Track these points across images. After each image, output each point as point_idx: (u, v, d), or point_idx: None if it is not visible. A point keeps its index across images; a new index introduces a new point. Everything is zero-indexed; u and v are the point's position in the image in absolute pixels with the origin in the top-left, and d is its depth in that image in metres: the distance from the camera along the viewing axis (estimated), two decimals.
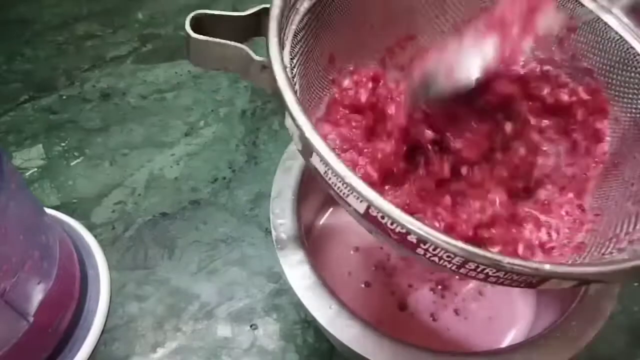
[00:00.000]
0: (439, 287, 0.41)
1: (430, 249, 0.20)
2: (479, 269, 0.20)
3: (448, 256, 0.20)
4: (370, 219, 0.21)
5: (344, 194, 0.21)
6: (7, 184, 0.31)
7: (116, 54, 0.62)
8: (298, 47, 0.28)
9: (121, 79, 0.59)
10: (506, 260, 0.20)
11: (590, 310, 0.31)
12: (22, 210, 0.35)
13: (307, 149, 0.22)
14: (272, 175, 0.37)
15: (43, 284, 0.36)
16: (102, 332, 0.41)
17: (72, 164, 0.52)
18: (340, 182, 0.21)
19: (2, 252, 0.32)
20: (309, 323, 0.42)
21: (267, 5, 0.25)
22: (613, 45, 0.30)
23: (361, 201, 0.20)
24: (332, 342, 0.40)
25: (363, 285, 0.41)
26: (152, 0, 0.68)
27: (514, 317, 0.39)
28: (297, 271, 0.33)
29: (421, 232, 0.20)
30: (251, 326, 0.42)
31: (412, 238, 0.20)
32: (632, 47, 0.30)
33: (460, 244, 0.20)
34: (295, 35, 0.27)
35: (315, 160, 0.22)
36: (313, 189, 0.40)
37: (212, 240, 0.46)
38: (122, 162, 0.52)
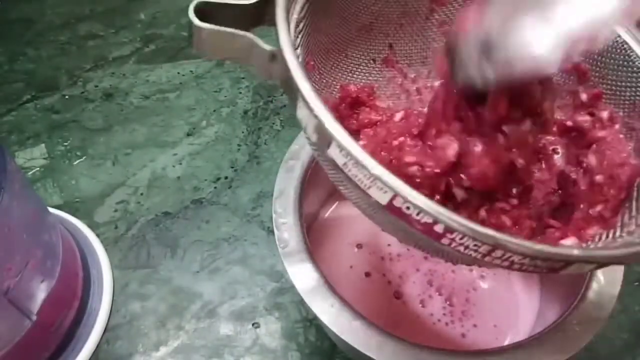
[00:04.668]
0: (434, 278, 0.41)
1: (457, 239, 0.19)
2: (504, 257, 0.20)
3: (475, 245, 0.20)
4: (393, 210, 0.20)
5: (365, 185, 0.20)
6: (10, 184, 0.31)
7: (119, 54, 0.62)
8: (300, 37, 0.27)
9: (123, 79, 0.60)
10: (541, 248, 0.19)
11: (590, 310, 0.31)
12: (26, 210, 0.35)
13: (325, 140, 0.21)
14: (273, 175, 0.37)
15: (46, 282, 0.37)
16: (105, 330, 0.41)
17: (74, 163, 0.52)
18: (363, 173, 0.20)
19: (5, 251, 0.32)
20: (311, 321, 0.42)
21: None
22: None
23: (385, 192, 0.20)
24: (333, 340, 0.40)
25: (363, 276, 0.41)
26: (154, 1, 0.68)
27: (517, 315, 0.40)
28: (299, 270, 0.33)
29: (451, 222, 0.19)
30: (253, 324, 0.42)
31: (439, 228, 0.19)
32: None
33: (492, 232, 0.19)
34: (297, 25, 0.26)
35: (333, 152, 0.21)
36: (315, 187, 0.40)
37: (214, 240, 0.47)
38: (125, 161, 0.52)
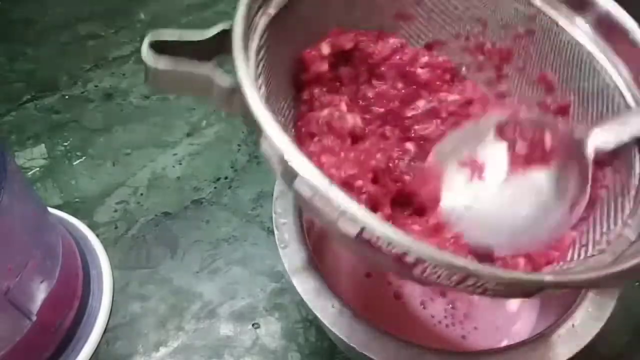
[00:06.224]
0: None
1: (429, 268, 0.19)
2: (478, 284, 0.20)
3: (448, 274, 0.19)
4: (363, 241, 0.19)
5: (333, 218, 0.20)
6: (10, 184, 0.31)
7: (119, 54, 0.62)
8: (261, 66, 0.26)
9: (123, 79, 0.59)
10: (510, 275, 0.20)
11: (590, 310, 0.31)
12: (26, 210, 0.35)
13: (290, 174, 0.20)
14: (273, 175, 0.37)
15: (46, 283, 0.37)
16: (105, 331, 0.41)
17: (74, 163, 0.52)
18: (329, 207, 0.19)
19: (5, 252, 0.32)
20: (311, 322, 0.42)
21: (227, 27, 0.23)
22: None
23: (354, 224, 0.19)
24: (333, 340, 0.40)
25: (364, 276, 0.41)
26: (154, 1, 0.68)
27: (518, 317, 0.40)
28: (299, 270, 0.33)
29: (421, 253, 0.19)
30: (253, 325, 0.42)
31: (410, 258, 0.19)
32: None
33: (464, 261, 0.19)
34: (257, 52, 0.25)
35: (299, 185, 0.20)
36: None
37: (214, 240, 0.47)
38: (125, 161, 0.52)
